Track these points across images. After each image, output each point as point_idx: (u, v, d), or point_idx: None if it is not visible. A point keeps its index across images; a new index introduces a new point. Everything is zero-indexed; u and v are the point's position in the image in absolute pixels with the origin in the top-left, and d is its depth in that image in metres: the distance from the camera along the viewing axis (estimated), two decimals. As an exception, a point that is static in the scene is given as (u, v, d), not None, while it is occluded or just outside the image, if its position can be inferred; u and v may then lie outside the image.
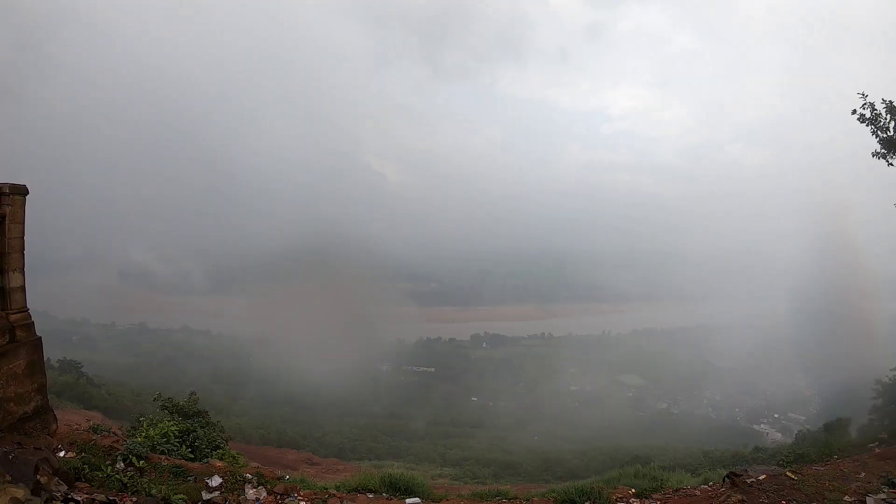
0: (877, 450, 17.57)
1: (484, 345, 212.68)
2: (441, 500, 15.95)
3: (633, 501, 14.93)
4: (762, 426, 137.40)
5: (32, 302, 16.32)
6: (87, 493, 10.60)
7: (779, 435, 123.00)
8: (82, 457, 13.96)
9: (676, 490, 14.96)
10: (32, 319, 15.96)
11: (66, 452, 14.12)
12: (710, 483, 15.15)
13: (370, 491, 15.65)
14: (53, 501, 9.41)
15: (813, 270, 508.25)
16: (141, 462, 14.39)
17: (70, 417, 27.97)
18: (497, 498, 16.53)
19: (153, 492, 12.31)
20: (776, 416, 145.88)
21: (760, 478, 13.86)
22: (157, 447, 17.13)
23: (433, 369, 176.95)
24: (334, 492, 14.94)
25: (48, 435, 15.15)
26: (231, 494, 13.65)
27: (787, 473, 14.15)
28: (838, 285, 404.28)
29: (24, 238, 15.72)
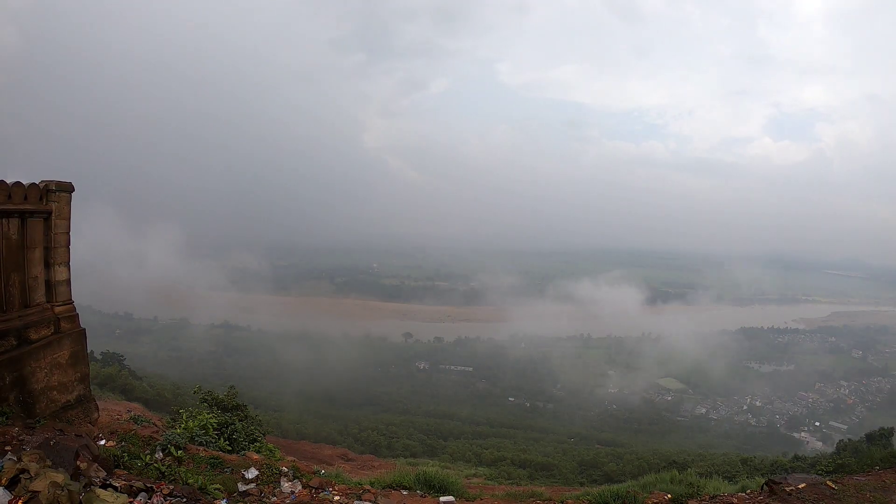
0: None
1: (522, 345, 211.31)
2: (475, 499, 15.88)
3: (669, 507, 14.64)
4: (802, 434, 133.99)
5: (77, 296, 16.74)
6: (125, 480, 10.77)
7: (819, 444, 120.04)
8: (122, 445, 14.26)
9: (713, 497, 14.56)
10: (77, 312, 16.36)
11: (107, 441, 14.42)
12: (748, 491, 14.69)
13: (405, 488, 15.65)
14: (92, 486, 9.56)
15: (861, 273, 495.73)
16: (179, 452, 14.63)
17: (112, 408, 28.62)
18: (531, 499, 16.38)
19: (190, 481, 12.46)
20: (817, 424, 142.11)
21: (800, 486, 13.43)
22: (196, 439, 17.40)
23: (471, 368, 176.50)
24: (369, 487, 14.96)
25: (89, 423, 15.51)
26: (267, 487, 13.77)
27: (828, 483, 13.69)
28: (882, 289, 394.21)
29: (70, 233, 16.13)
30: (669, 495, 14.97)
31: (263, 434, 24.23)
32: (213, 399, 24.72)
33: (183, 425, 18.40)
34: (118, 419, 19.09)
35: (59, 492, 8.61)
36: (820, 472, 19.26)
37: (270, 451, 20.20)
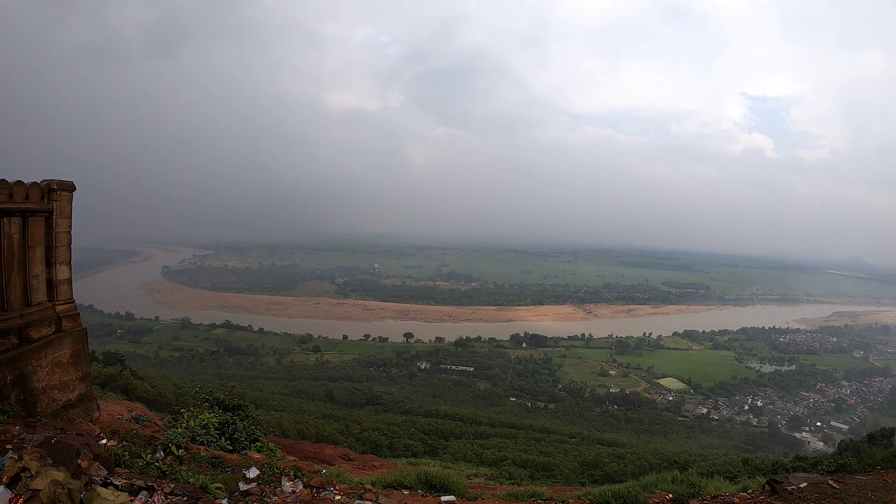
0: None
1: (523, 345, 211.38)
2: (476, 499, 15.83)
3: (670, 507, 14.60)
4: (804, 434, 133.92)
5: (79, 296, 16.74)
6: (126, 479, 10.75)
7: (821, 444, 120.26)
8: (123, 445, 14.25)
9: (714, 497, 14.50)
10: (78, 311, 16.34)
11: (108, 440, 14.42)
12: (750, 490, 14.63)
13: (406, 487, 15.61)
14: (93, 485, 9.54)
15: (861, 273, 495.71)
16: (180, 451, 14.62)
17: (113, 408, 28.59)
18: (532, 499, 16.33)
19: (191, 480, 12.44)
20: (818, 424, 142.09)
21: (801, 486, 13.35)
22: (197, 438, 17.38)
23: (472, 368, 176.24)
24: (370, 487, 14.92)
25: (91, 422, 15.50)
26: (268, 486, 13.74)
27: (830, 482, 13.63)
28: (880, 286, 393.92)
29: (71, 232, 16.12)
30: (671, 495, 14.93)
31: (265, 434, 24.16)
32: (214, 399, 24.67)
33: (184, 425, 18.39)
34: (119, 419, 19.07)
35: (59, 490, 8.60)
36: (821, 471, 19.18)
37: (271, 450, 20.17)
